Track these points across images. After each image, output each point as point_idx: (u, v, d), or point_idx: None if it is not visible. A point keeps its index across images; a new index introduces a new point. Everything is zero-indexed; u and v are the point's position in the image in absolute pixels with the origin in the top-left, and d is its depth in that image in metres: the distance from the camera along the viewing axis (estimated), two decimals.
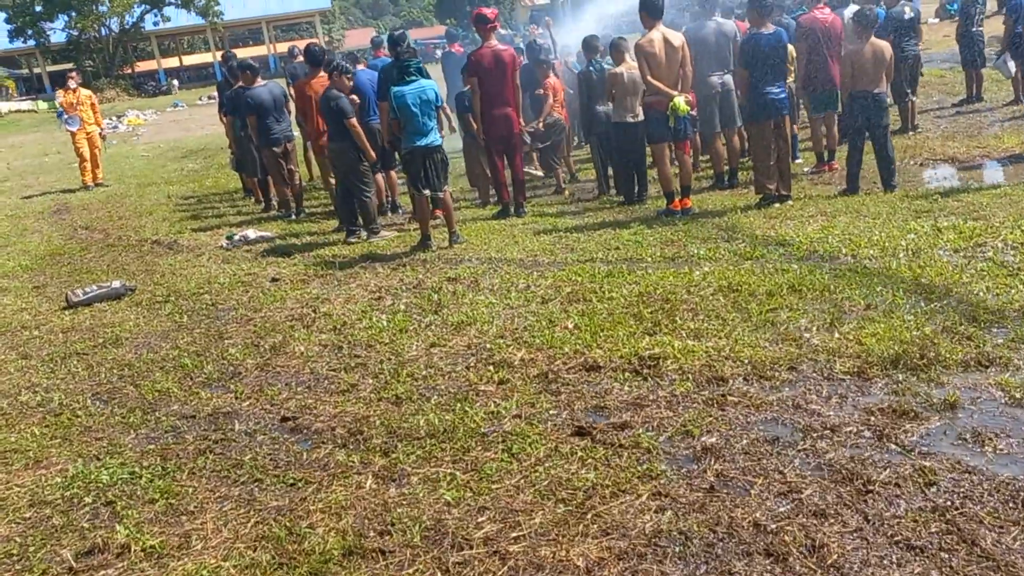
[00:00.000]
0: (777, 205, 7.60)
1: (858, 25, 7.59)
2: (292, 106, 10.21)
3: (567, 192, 9.94)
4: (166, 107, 40.92)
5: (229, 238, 9.04)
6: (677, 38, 7.59)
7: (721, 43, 8.49)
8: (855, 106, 7.72)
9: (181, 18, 58.52)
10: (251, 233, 9.08)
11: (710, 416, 3.83)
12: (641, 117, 8.53)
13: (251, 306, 6.67)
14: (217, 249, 8.89)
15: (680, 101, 7.42)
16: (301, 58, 11.12)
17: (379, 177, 9.34)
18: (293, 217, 10.07)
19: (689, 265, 6.15)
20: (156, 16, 56.60)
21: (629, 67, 8.40)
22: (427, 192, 7.60)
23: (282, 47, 68.31)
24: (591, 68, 9.15)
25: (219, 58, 63.17)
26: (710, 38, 8.38)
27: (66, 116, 14.22)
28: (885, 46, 7.66)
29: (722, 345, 4.59)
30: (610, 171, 9.67)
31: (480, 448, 3.82)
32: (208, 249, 8.95)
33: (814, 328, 4.68)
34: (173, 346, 5.94)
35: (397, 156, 8.85)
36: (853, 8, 9.76)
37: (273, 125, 9.87)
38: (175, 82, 56.27)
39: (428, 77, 7.62)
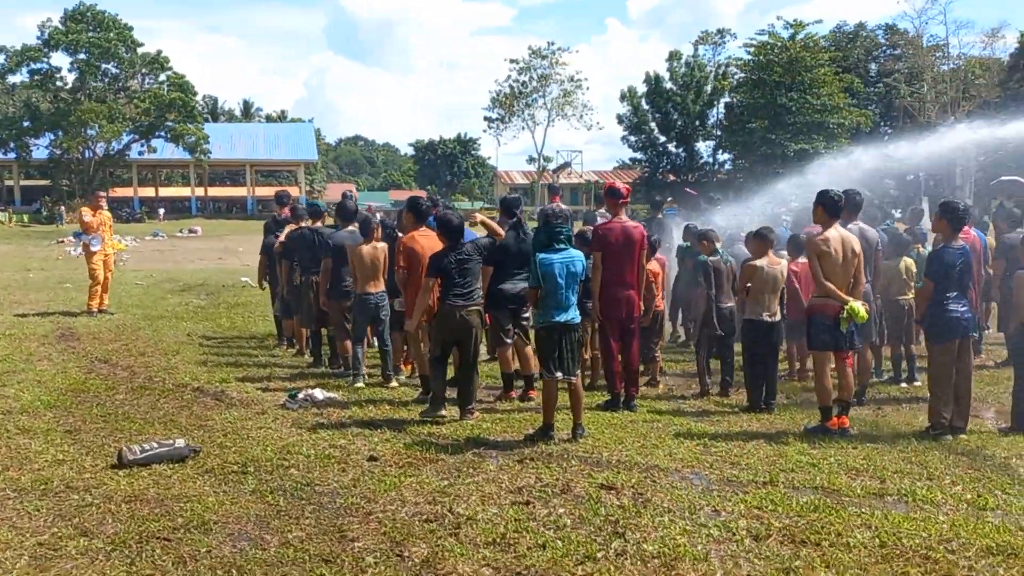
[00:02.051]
0: (949, 437, 6.71)
1: None
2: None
3: (662, 386, 8.99)
4: (145, 235, 39.89)
5: (292, 396, 7.82)
6: (856, 243, 6.94)
7: (864, 250, 7.85)
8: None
9: (166, 150, 58.54)
10: (318, 394, 7.88)
11: None
12: (778, 317, 7.77)
13: (360, 493, 5.43)
14: (278, 408, 7.65)
15: (859, 307, 6.66)
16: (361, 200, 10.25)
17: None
18: (357, 383, 8.87)
19: (916, 509, 5.14)
20: (142, 146, 56.56)
21: (772, 261, 7.72)
22: (559, 375, 6.57)
23: (262, 191, 68.62)
24: (718, 258, 8.43)
25: (198, 193, 63.19)
26: None
27: (89, 236, 13.18)
28: None
29: None
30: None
31: None
32: (268, 406, 7.71)
33: None
34: (283, 542, 4.67)
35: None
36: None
37: (347, 276, 8.89)
38: (161, 211, 55.54)
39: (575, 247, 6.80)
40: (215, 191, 72.77)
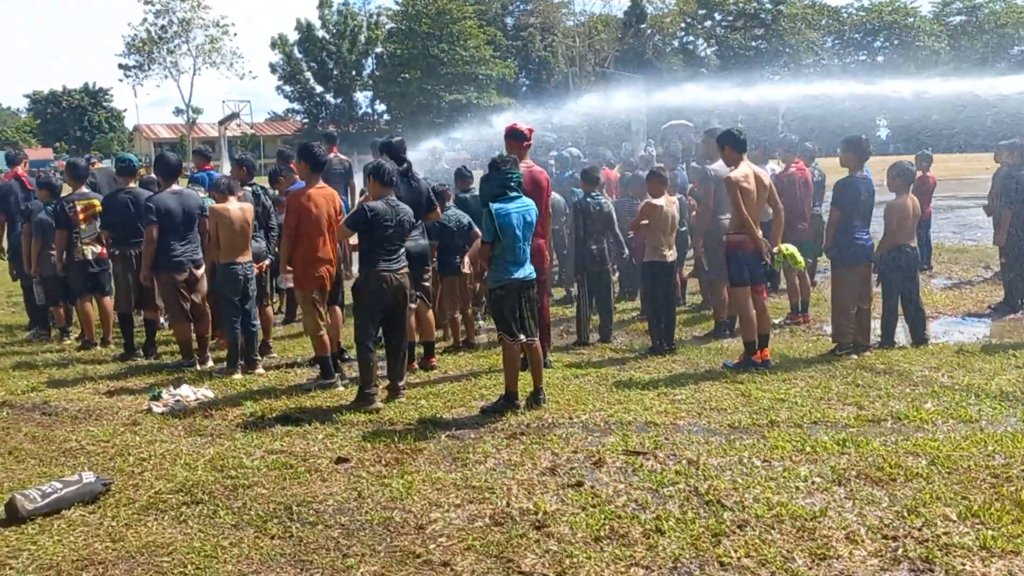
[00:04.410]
0: (855, 356, 7.15)
1: (898, 179, 7.55)
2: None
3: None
4: None
5: (155, 398, 6.28)
6: (766, 176, 7.01)
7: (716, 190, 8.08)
8: (895, 260, 7.54)
9: None
10: (187, 392, 6.41)
11: None
12: (674, 256, 7.73)
13: (378, 504, 4.47)
14: (145, 413, 6.10)
15: (795, 251, 6.84)
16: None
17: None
18: (197, 367, 7.38)
19: (923, 431, 5.33)
20: None
21: (670, 201, 7.62)
22: (523, 337, 5.92)
23: None
24: (589, 200, 8.14)
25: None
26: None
27: None
28: (917, 201, 7.69)
29: None
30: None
31: None
32: (133, 414, 6.11)
33: None
34: None
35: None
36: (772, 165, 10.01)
37: (176, 244, 7.29)
38: None
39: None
40: None
